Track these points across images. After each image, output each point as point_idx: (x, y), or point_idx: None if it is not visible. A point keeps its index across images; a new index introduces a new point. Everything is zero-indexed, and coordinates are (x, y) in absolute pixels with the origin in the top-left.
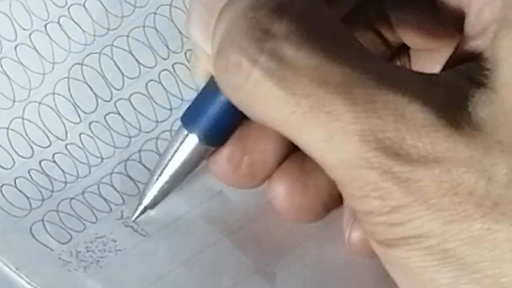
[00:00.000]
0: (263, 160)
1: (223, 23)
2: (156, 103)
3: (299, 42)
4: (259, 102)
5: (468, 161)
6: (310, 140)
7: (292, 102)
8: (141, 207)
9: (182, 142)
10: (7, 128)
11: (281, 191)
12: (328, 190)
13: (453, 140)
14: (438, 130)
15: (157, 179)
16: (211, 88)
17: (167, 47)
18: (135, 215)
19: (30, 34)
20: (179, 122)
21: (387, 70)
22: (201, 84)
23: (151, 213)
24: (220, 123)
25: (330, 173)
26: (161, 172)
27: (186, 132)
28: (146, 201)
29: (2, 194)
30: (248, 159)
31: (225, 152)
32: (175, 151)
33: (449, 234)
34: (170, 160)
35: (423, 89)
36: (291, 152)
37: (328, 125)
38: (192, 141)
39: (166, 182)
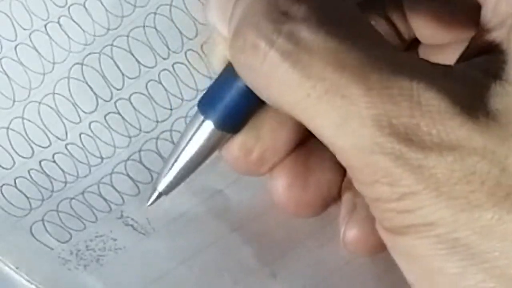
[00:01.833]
0: (274, 148)
1: (241, 5)
2: (156, 103)
3: (317, 26)
4: (275, 84)
5: (482, 151)
6: (324, 123)
7: (307, 85)
8: (156, 193)
9: (198, 128)
10: (7, 128)
11: (281, 184)
12: (328, 187)
13: (468, 129)
14: (453, 118)
15: (172, 165)
16: (228, 74)
17: (167, 47)
18: (150, 201)
19: (30, 34)
20: (179, 122)
21: (403, 58)
22: (218, 70)
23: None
24: (237, 109)
25: (341, 158)
26: (177, 158)
27: (202, 117)
28: (161, 187)
29: (2, 194)
30: (260, 147)
31: (238, 139)
32: (191, 137)
33: (459, 223)
34: (185, 146)
35: (439, 78)
36: (298, 144)
37: (343, 109)
38: (208, 127)
39: (181, 169)
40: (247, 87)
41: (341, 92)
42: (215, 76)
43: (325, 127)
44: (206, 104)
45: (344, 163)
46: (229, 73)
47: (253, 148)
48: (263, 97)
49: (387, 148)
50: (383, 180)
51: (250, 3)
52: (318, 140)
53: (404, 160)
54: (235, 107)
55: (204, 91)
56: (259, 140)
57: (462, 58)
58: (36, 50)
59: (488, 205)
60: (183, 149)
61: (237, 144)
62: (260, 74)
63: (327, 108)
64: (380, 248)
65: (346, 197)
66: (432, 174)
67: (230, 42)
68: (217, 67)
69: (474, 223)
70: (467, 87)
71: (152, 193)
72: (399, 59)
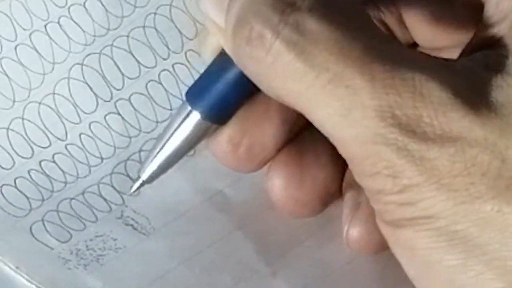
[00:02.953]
0: (262, 143)
1: None
2: (156, 103)
3: (321, 17)
4: (278, 74)
5: (483, 143)
6: (327, 114)
7: (311, 75)
8: (139, 181)
9: (185, 118)
10: (7, 128)
11: (278, 183)
12: (324, 185)
13: (469, 120)
14: (455, 109)
15: (157, 154)
16: (217, 65)
17: (167, 47)
18: (133, 189)
19: (30, 34)
20: None
21: (405, 51)
22: (208, 60)
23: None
24: (224, 100)
25: (342, 149)
26: (162, 147)
27: (189, 108)
28: (145, 175)
29: (2, 194)
30: (248, 141)
31: (225, 132)
32: (177, 127)
33: (459, 215)
34: (171, 135)
35: (441, 71)
36: (289, 143)
37: (346, 99)
38: (194, 117)
39: (166, 158)
40: (236, 78)
41: (345, 83)
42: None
43: (327, 118)
44: (194, 94)
45: (345, 154)
46: (219, 63)
47: (241, 142)
48: (264, 87)
49: (390, 139)
50: (385, 172)
51: None
52: (311, 137)
53: (406, 152)
54: (222, 98)
55: (193, 81)
56: (246, 133)
57: (464, 53)
58: (36, 51)
59: (488, 197)
60: (168, 139)
61: (224, 137)
62: (264, 64)
63: (330, 98)
64: (383, 246)
65: (349, 195)
66: (433, 166)
67: (232, 32)
68: (208, 58)
69: (474, 215)
70: (468, 80)
71: (135, 181)
72: (401, 51)
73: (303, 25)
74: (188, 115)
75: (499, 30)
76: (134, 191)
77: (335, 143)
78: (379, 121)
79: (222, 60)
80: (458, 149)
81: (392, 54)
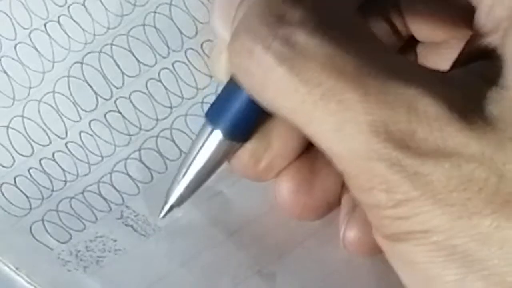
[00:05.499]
0: (283, 155)
1: (242, 10)
2: (156, 101)
3: (313, 30)
4: (270, 89)
5: (479, 157)
6: (320, 129)
7: (303, 90)
8: (167, 206)
9: (207, 138)
10: (7, 127)
11: (287, 188)
12: (333, 191)
13: (465, 135)
14: (450, 124)
15: (183, 176)
16: (235, 83)
17: (167, 45)
18: (162, 214)
19: (30, 33)
20: (179, 120)
21: (400, 63)
22: (223, 78)
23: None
24: (245, 118)
25: (338, 163)
26: (187, 170)
27: (211, 128)
28: (173, 199)
29: (2, 193)
30: (269, 155)
31: (248, 148)
32: (200, 148)
33: (457, 230)
34: (195, 157)
35: (436, 84)
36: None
37: (339, 115)
38: (217, 137)
39: (192, 180)
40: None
41: (337, 97)
42: (221, 85)
43: (321, 133)
44: (214, 114)
45: (340, 168)
46: (236, 81)
47: (262, 156)
48: (260, 101)
49: (384, 155)
50: (380, 187)
51: (248, 8)
52: None
53: (400, 167)
54: (243, 115)
55: (212, 101)
56: (268, 148)
57: (458, 63)
58: (36, 49)
59: (486, 212)
60: (193, 160)
61: (247, 152)
62: (256, 78)
63: (322, 113)
64: (380, 249)
65: (346, 198)
66: (428, 181)
67: (228, 46)
68: (223, 76)
69: (472, 230)
70: (463, 93)
71: (163, 206)
72: (397, 64)
73: (293, 39)
74: (210, 135)
75: (492, 39)
76: (163, 216)
77: (330, 157)
78: (372, 136)
79: None
80: (453, 164)
81: (387, 67)
